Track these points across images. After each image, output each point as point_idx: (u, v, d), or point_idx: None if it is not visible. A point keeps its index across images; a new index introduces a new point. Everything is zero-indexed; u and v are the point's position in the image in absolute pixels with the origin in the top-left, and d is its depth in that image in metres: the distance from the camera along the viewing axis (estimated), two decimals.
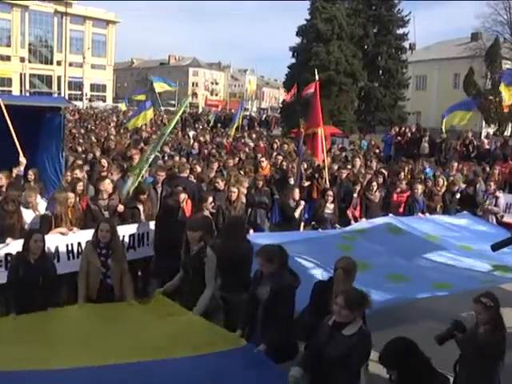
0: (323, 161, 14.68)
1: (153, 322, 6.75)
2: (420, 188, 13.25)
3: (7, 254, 8.66)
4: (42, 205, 10.09)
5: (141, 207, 10.47)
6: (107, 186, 10.39)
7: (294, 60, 47.79)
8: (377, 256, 9.24)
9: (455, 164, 17.79)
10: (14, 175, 11.71)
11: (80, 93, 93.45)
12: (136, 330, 6.58)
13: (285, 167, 15.55)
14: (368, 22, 48.57)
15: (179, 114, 11.39)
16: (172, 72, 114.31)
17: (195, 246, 7.49)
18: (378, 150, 26.92)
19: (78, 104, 69.41)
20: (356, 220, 12.66)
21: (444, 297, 8.29)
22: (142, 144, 19.84)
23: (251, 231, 10.46)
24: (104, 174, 12.36)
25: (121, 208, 10.20)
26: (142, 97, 34.64)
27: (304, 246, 9.19)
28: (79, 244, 9.36)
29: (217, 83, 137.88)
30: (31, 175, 11.73)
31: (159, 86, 32.81)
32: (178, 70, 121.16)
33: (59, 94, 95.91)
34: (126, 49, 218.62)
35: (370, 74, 48.94)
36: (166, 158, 17.47)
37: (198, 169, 14.13)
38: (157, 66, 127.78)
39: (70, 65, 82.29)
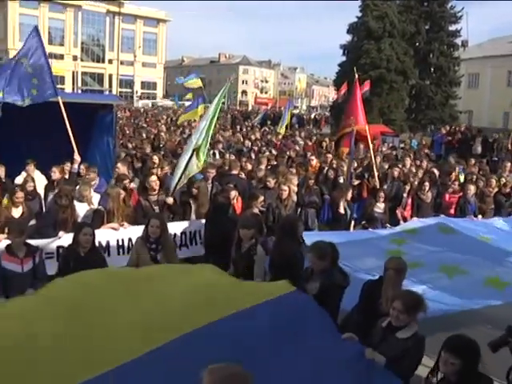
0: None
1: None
2: (472, 189, 12.87)
3: (59, 247, 8.92)
4: (95, 199, 10.28)
5: (193, 204, 10.58)
6: (154, 182, 10.51)
7: (344, 58, 47.49)
8: (428, 254, 8.99)
9: (508, 164, 17.35)
10: (65, 171, 11.97)
11: (130, 90, 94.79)
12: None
13: (335, 166, 15.47)
14: (420, 19, 47.88)
15: (216, 104, 11.16)
16: (222, 70, 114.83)
17: (246, 244, 7.55)
18: (428, 150, 26.53)
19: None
20: (405, 220, 12.44)
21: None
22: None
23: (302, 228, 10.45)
24: (155, 170, 12.53)
25: (170, 200, 10.27)
26: (189, 95, 34.94)
27: (352, 248, 9.01)
28: (130, 239, 9.54)
29: (267, 81, 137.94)
30: (83, 169, 11.97)
31: (193, 83, 32.87)
32: (227, 67, 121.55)
33: (110, 91, 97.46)
34: (176, 47, 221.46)
35: (421, 71, 48.27)
36: (218, 155, 17.55)
37: (249, 166, 14.17)
38: (207, 64, 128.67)
39: (122, 63, 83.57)
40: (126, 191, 10.26)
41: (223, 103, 11.14)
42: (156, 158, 14.05)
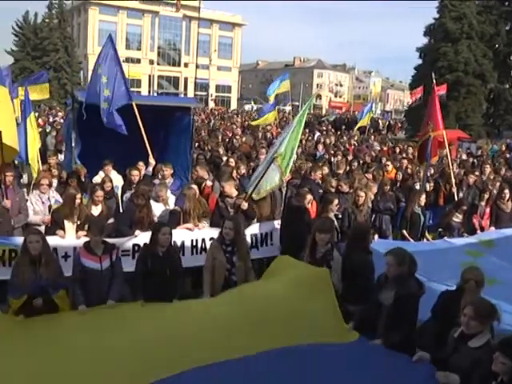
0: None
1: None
2: None
3: (135, 245, 9.19)
4: (171, 199, 10.47)
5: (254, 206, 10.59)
6: (232, 187, 10.54)
7: (420, 61, 46.65)
8: (504, 271, 8.61)
9: None
10: (140, 171, 12.20)
11: (205, 93, 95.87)
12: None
13: (410, 171, 15.20)
14: (500, 19, 46.34)
15: (302, 113, 11.21)
16: (296, 74, 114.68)
17: (322, 249, 7.52)
18: (508, 156, 25.67)
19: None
20: (482, 230, 12.05)
21: None
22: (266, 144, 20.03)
23: (376, 237, 10.34)
24: (232, 172, 12.63)
25: (244, 205, 10.26)
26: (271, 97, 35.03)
27: (427, 258, 8.81)
28: (203, 240, 9.71)
29: (341, 85, 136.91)
30: (163, 171, 12.09)
31: (282, 88, 32.74)
32: (302, 71, 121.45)
33: (185, 94, 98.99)
34: (251, 51, 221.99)
35: (500, 74, 46.78)
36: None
37: (325, 171, 14.08)
38: (281, 68, 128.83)
39: (197, 66, 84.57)
40: (203, 193, 10.41)
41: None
42: (232, 161, 14.20)
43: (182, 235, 9.46)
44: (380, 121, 53.06)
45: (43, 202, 10.20)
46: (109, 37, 12.63)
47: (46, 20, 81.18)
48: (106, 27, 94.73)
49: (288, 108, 39.48)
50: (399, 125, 56.06)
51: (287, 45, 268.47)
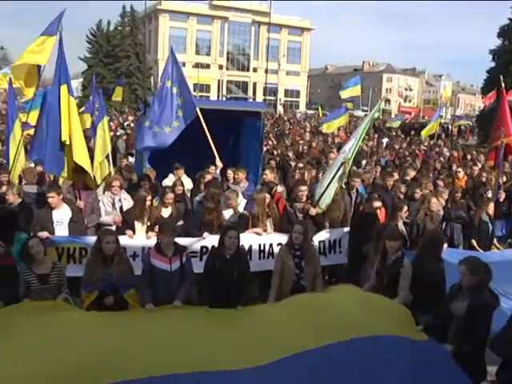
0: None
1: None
2: None
3: (203, 247, 9.31)
4: (241, 204, 10.49)
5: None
6: (303, 192, 10.46)
7: (493, 64, 45.27)
8: None
9: None
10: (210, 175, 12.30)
11: (274, 98, 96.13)
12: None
13: (484, 179, 14.75)
14: None
15: (370, 118, 11.12)
16: (365, 78, 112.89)
17: (393, 256, 7.40)
18: None
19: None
20: None
21: None
22: (335, 149, 19.86)
23: (445, 246, 10.10)
24: (298, 177, 12.60)
25: (313, 211, 10.19)
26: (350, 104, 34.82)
27: (499, 269, 8.49)
28: (271, 245, 9.70)
29: (410, 89, 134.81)
30: (230, 173, 12.19)
31: (353, 91, 32.36)
32: (371, 76, 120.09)
33: (254, 99, 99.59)
34: (320, 55, 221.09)
35: None
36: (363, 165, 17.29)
37: (395, 177, 13.82)
38: (350, 72, 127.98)
39: (266, 71, 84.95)
40: (272, 197, 10.40)
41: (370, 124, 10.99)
42: (301, 165, 14.14)
43: (250, 239, 9.47)
44: (450, 126, 51.89)
45: (114, 203, 10.42)
46: (170, 50, 12.85)
47: (119, 28, 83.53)
48: (176, 33, 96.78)
49: (361, 113, 39.00)
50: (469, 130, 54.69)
51: (356, 49, 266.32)
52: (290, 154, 17.90)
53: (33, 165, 12.45)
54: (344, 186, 11.16)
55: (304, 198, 10.41)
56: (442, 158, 21.32)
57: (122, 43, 79.77)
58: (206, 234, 9.40)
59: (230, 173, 12.20)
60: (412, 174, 14.40)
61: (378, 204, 10.27)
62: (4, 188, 10.57)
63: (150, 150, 12.70)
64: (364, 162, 17.73)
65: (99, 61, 79.38)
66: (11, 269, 7.13)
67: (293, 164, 15.42)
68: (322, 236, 10.07)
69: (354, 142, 10.44)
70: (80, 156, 10.02)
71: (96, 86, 18.94)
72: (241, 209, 10.27)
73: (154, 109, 12.28)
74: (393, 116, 76.97)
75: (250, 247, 9.45)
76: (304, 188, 10.50)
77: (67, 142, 9.83)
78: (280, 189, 11.56)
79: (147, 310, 7.00)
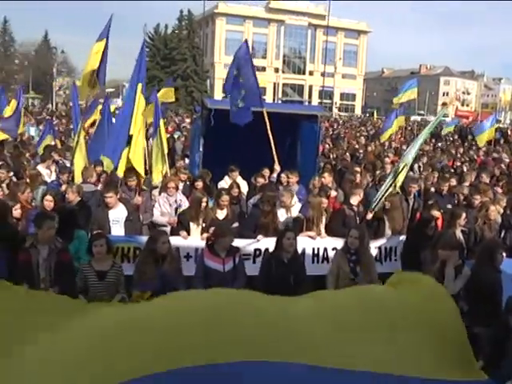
0: None
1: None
2: None
3: (256, 250, 9.31)
4: (296, 207, 10.42)
5: (386, 218, 10.36)
6: (359, 195, 10.40)
7: None
8: None
9: None
10: (265, 177, 12.29)
11: (330, 102, 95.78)
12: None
13: None
14: None
15: (434, 124, 10.99)
16: (422, 81, 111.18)
17: (452, 265, 7.24)
18: None
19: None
20: None
21: None
22: (391, 154, 19.61)
23: (503, 255, 9.80)
24: (357, 181, 12.49)
25: (369, 216, 10.13)
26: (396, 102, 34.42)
27: None
28: (325, 249, 9.61)
29: (468, 93, 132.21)
30: (284, 177, 12.12)
31: (409, 94, 31.83)
32: (428, 79, 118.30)
33: (309, 102, 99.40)
34: (376, 58, 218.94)
35: None
36: (418, 170, 17.01)
37: (452, 182, 13.54)
38: (406, 76, 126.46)
39: (322, 75, 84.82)
40: (328, 201, 10.35)
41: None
42: (358, 169, 14.01)
43: (303, 243, 9.38)
44: (510, 131, 50.55)
45: (170, 204, 10.52)
46: (244, 43, 12.80)
47: (176, 31, 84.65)
48: (233, 36, 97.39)
49: (416, 117, 38.34)
50: None
51: (413, 52, 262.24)
52: (348, 159, 17.76)
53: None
54: (400, 192, 11.02)
55: (357, 202, 10.34)
56: (502, 165, 20.75)
57: (179, 46, 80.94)
58: (260, 237, 9.40)
59: (283, 176, 12.15)
60: (469, 180, 14.06)
61: (437, 213, 10.07)
62: (64, 187, 10.85)
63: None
64: (416, 166, 17.46)
65: (156, 64, 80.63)
66: (67, 264, 7.36)
67: (349, 168, 15.23)
68: (379, 243, 9.93)
69: (415, 148, 10.32)
70: (134, 155, 10.24)
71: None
72: (295, 212, 10.22)
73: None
74: (449, 120, 75.54)
75: (304, 251, 9.37)
76: (359, 191, 10.43)
77: (134, 138, 10.10)
78: (334, 193, 11.43)
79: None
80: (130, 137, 10.65)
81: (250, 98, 11.91)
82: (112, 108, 22.72)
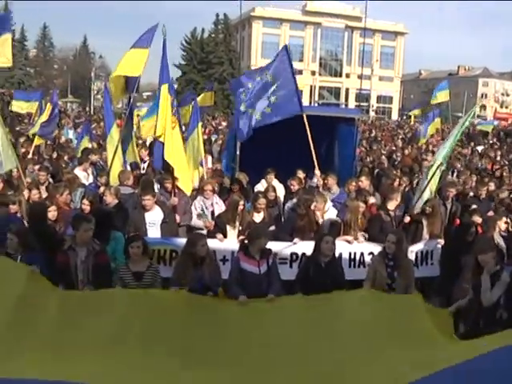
0: None
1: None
2: None
3: (293, 253, 9.25)
4: (331, 211, 10.35)
5: (425, 222, 10.21)
6: (395, 199, 10.26)
7: None
8: None
9: None
10: (301, 180, 12.21)
11: (367, 104, 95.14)
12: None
13: None
14: None
15: (464, 125, 10.75)
16: (460, 83, 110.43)
17: (490, 270, 7.06)
18: None
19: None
20: None
21: None
22: (430, 157, 19.33)
23: None
24: (396, 185, 12.35)
25: (407, 219, 10.02)
26: (417, 112, 34.04)
27: None
28: (362, 254, 9.52)
29: (508, 95, 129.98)
30: (327, 180, 11.94)
31: (442, 96, 31.33)
32: (466, 80, 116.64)
33: (346, 105, 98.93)
34: (414, 60, 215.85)
35: None
36: (456, 173, 16.73)
37: (491, 186, 13.24)
38: (444, 77, 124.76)
39: (359, 77, 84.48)
40: (366, 205, 10.24)
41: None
42: (396, 173, 13.85)
43: (340, 247, 9.27)
44: None
45: (206, 207, 10.54)
46: (284, 47, 12.70)
47: (212, 35, 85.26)
48: (269, 40, 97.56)
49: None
50: None
51: (451, 53, 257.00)
52: (385, 162, 17.57)
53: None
54: (438, 196, 10.87)
55: (394, 206, 10.21)
56: None
57: (215, 50, 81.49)
58: (296, 240, 9.37)
59: (319, 179, 12.08)
60: (510, 183, 13.80)
61: (478, 219, 9.88)
62: (102, 189, 10.98)
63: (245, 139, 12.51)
64: (455, 170, 17.21)
65: (193, 67, 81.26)
66: (105, 266, 7.48)
67: (387, 172, 15.05)
68: (415, 247, 9.78)
69: (447, 147, 10.16)
70: (170, 154, 10.26)
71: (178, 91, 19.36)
72: (329, 216, 10.15)
73: (250, 95, 12.16)
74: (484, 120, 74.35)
75: (340, 255, 9.24)
76: (395, 196, 10.29)
77: (161, 139, 10.10)
78: (373, 200, 11.19)
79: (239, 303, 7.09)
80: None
81: (282, 105, 11.77)
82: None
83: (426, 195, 10.36)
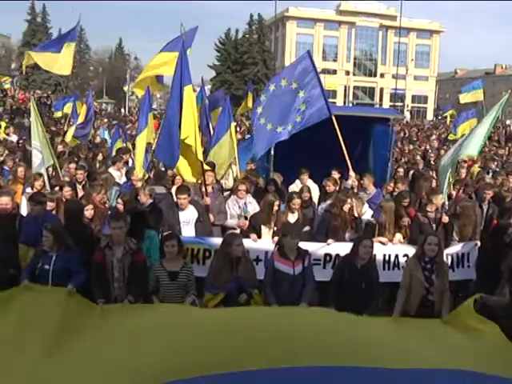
0: None
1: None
2: None
3: (327, 254, 9.25)
4: (367, 213, 10.27)
5: (455, 224, 10.04)
6: (439, 200, 10.08)
7: None
8: None
9: None
10: (336, 181, 12.11)
11: (401, 104, 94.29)
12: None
13: None
14: None
15: (494, 118, 10.41)
16: (496, 82, 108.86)
17: None
18: None
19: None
20: None
21: None
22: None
23: None
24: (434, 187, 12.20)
25: (445, 219, 9.82)
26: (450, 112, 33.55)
27: None
28: (396, 256, 9.44)
29: None
30: (353, 181, 11.84)
31: (473, 96, 30.84)
32: (503, 79, 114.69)
33: (380, 105, 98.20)
34: (449, 59, 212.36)
35: None
36: (491, 174, 16.41)
37: None
38: (481, 76, 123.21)
39: (393, 77, 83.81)
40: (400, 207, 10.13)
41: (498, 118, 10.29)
42: (433, 175, 13.67)
43: (374, 248, 9.22)
44: None
45: (239, 207, 10.55)
46: (307, 52, 12.53)
47: (246, 35, 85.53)
48: (303, 40, 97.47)
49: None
50: None
51: (488, 51, 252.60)
52: (420, 163, 17.35)
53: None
54: (475, 198, 10.69)
55: (435, 207, 10.04)
56: None
57: (249, 50, 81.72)
58: (330, 241, 9.36)
59: (353, 180, 11.89)
60: None
61: None
62: (139, 184, 11.13)
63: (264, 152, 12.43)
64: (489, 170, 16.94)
65: (227, 68, 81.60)
66: (142, 265, 7.52)
67: (423, 173, 14.81)
68: (451, 249, 9.63)
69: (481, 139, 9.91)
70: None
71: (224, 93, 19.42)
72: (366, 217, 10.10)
73: (270, 107, 11.90)
74: None
75: (374, 257, 9.21)
76: (440, 197, 10.09)
77: (187, 141, 9.99)
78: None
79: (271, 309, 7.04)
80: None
81: (311, 111, 11.64)
82: None
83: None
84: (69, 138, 18.26)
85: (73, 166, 12.93)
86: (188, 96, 10.03)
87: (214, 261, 8.07)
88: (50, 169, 12.01)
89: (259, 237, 9.54)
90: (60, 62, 16.70)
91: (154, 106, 45.63)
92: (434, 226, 9.82)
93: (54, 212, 9.31)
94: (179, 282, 7.45)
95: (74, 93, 27.87)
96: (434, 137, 34.22)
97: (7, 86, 33.60)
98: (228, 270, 7.49)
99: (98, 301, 6.89)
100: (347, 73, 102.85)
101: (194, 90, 11.16)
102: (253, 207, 10.53)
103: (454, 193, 11.90)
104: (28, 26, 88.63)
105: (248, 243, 8.84)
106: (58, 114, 26.00)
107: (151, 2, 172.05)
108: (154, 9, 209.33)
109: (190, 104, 10.04)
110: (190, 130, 9.87)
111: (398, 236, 9.64)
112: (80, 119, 18.76)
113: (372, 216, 10.05)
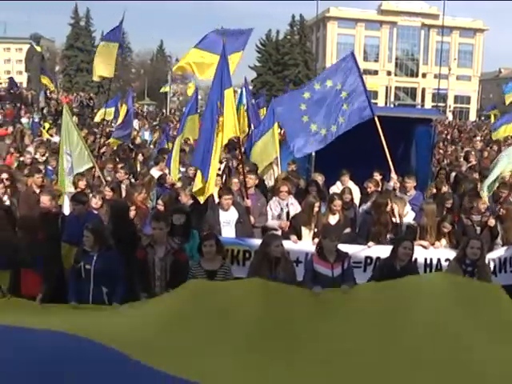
0: None
1: None
2: None
3: (367, 257, 9.19)
4: (410, 215, 10.16)
5: (500, 227, 9.76)
6: (482, 204, 9.93)
7: None
8: None
9: None
10: (378, 183, 12.03)
11: (443, 105, 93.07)
12: None
13: None
14: None
15: None
16: None
17: None
18: None
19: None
20: None
21: None
22: None
23: None
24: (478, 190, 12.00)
25: (492, 222, 9.63)
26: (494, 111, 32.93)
27: None
28: (439, 260, 9.30)
29: None
30: (405, 182, 11.64)
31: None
32: None
33: (422, 105, 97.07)
34: (493, 58, 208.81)
35: None
36: None
37: None
38: None
39: (435, 76, 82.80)
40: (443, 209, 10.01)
41: None
42: (477, 175, 13.46)
43: (415, 252, 9.11)
44: None
45: (281, 208, 10.53)
46: (351, 53, 12.43)
47: (288, 36, 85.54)
48: (344, 40, 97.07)
49: None
50: None
51: None
52: (464, 165, 17.09)
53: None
54: None
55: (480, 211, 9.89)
56: None
57: (290, 51, 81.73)
58: (370, 243, 9.29)
59: (395, 181, 11.75)
60: None
61: None
62: (179, 184, 11.31)
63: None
64: None
65: (268, 69, 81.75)
66: (184, 264, 7.62)
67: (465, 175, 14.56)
68: (493, 254, 9.41)
69: None
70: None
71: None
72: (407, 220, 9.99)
73: (315, 106, 11.69)
74: None
75: (415, 260, 9.10)
76: (483, 201, 9.95)
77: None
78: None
79: None
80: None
81: (354, 111, 11.54)
82: None
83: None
84: (112, 140, 18.47)
85: (119, 166, 13.11)
86: (228, 98, 10.08)
87: (254, 261, 8.08)
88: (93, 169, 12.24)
89: (300, 238, 9.50)
90: (102, 64, 16.40)
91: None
92: (478, 228, 9.66)
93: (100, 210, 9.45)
94: (217, 281, 7.46)
95: (116, 95, 28.14)
96: (477, 138, 33.63)
97: (52, 89, 34.24)
98: (267, 270, 7.45)
99: (141, 295, 7.12)
100: (389, 73, 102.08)
101: (235, 91, 11.20)
102: (295, 208, 10.48)
103: (503, 195, 11.63)
104: (72, 29, 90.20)
105: (288, 244, 8.82)
106: (102, 116, 26.36)
107: (194, 2, 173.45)
108: (196, 9, 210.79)
109: (231, 107, 10.07)
110: (230, 132, 9.92)
111: (444, 242, 9.47)
112: (119, 120, 18.99)
113: (414, 219, 9.94)
